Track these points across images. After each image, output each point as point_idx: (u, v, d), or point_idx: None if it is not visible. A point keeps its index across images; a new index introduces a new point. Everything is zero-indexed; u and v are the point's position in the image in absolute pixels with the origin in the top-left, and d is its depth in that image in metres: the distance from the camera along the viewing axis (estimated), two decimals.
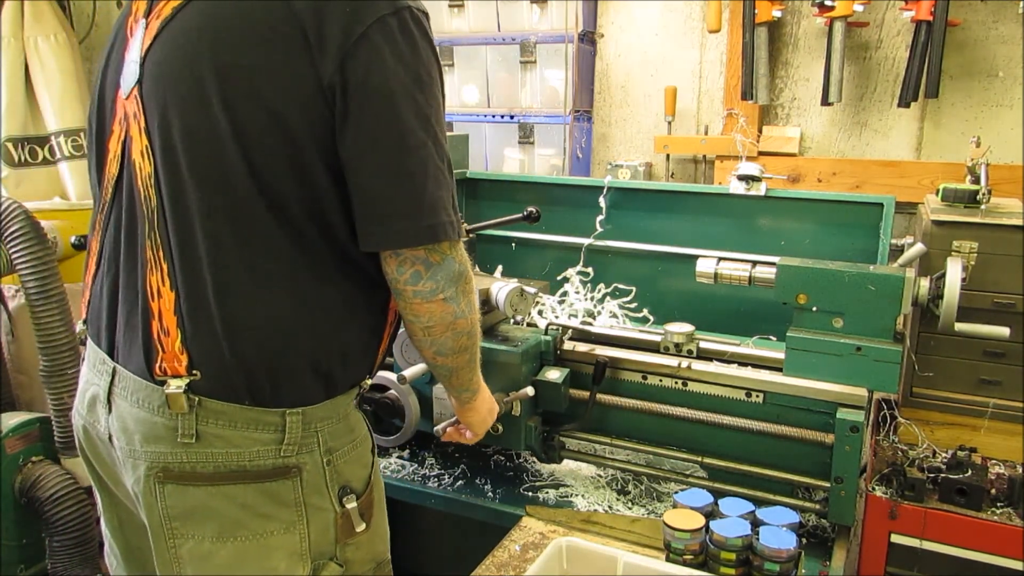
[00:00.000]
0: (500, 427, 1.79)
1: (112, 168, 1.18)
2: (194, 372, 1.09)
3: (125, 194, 1.15)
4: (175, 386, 1.08)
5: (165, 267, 1.09)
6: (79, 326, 1.28)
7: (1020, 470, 1.80)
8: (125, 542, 1.37)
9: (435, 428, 1.68)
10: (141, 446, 1.12)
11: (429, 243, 1.13)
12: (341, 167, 1.11)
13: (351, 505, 1.20)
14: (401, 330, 1.77)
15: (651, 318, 2.24)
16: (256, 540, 1.14)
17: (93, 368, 1.21)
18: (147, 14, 1.16)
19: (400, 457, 2.02)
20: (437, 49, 1.17)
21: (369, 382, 1.30)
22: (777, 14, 2.74)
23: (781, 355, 1.72)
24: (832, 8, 2.56)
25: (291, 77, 1.06)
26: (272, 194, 1.08)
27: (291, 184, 1.09)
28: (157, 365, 1.10)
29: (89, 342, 1.23)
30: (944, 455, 1.88)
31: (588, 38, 3.17)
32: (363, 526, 1.23)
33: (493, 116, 3.23)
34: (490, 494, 1.87)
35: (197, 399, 1.09)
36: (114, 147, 1.18)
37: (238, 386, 1.10)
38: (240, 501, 1.13)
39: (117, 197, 1.18)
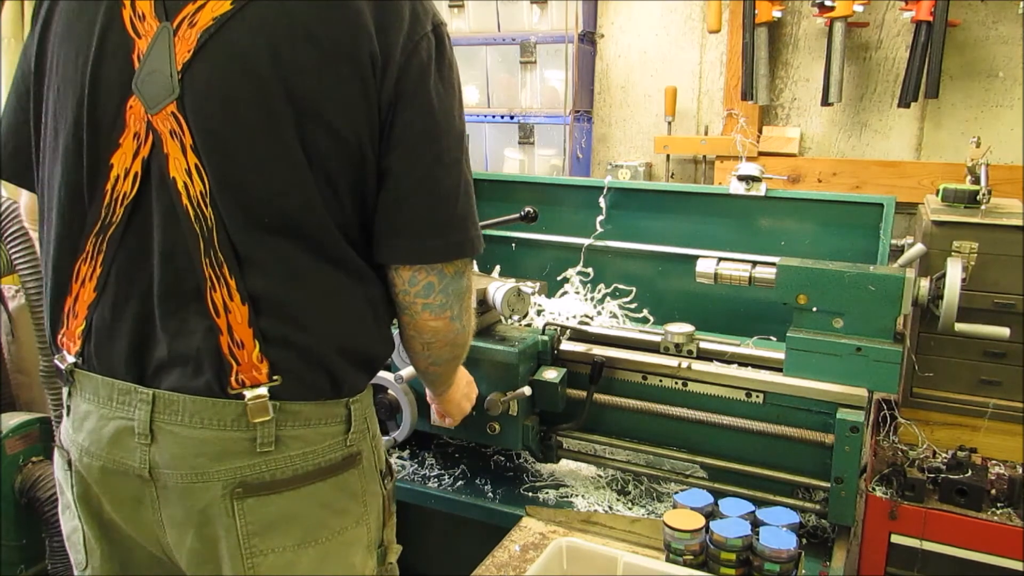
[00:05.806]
0: (497, 426, 1.79)
1: (123, 186, 1.09)
2: (274, 378, 1.10)
3: (158, 215, 1.09)
4: (255, 394, 1.09)
5: (232, 282, 1.07)
6: (69, 359, 1.16)
7: (1020, 470, 1.80)
8: None
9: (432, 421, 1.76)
10: (212, 466, 1.09)
11: (456, 259, 1.18)
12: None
13: (391, 486, 1.26)
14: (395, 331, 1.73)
15: (651, 318, 2.24)
16: (336, 539, 1.16)
17: (109, 403, 1.13)
18: (165, 16, 1.06)
19: (400, 457, 2.02)
20: None
21: None
22: (777, 14, 2.74)
23: (781, 355, 1.72)
24: (832, 8, 2.56)
25: (357, 100, 1.07)
26: (336, 213, 1.11)
27: (350, 201, 1.12)
28: (233, 378, 1.09)
29: (91, 376, 1.15)
30: (944, 455, 1.88)
31: (588, 38, 3.17)
32: (394, 505, 1.28)
33: (493, 116, 3.22)
34: (490, 494, 1.87)
35: (278, 404, 1.11)
36: (125, 163, 1.09)
37: (315, 383, 1.13)
38: (320, 500, 1.15)
39: (139, 219, 1.10)
